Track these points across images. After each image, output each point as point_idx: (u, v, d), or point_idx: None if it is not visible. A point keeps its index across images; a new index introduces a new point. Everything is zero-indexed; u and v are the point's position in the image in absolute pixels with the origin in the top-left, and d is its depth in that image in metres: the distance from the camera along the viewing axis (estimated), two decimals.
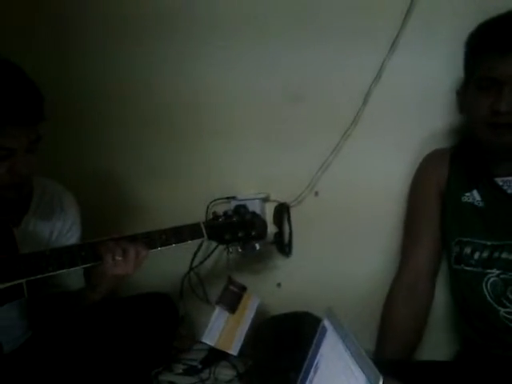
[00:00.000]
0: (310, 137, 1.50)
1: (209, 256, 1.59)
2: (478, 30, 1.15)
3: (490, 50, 1.10)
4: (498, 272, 1.16)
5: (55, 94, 1.49)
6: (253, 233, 1.31)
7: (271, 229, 1.48)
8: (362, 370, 0.75)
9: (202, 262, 1.61)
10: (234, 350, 1.40)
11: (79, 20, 1.65)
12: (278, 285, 1.60)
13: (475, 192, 1.21)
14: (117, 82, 1.64)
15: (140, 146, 1.66)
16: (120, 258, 1.13)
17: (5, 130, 1.07)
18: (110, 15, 1.62)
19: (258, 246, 1.34)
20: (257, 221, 1.33)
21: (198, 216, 1.49)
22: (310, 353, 0.96)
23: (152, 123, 1.64)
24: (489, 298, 1.16)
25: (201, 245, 1.54)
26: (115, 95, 1.65)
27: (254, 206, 1.48)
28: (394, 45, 1.36)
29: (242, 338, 1.40)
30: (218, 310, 1.43)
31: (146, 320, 1.38)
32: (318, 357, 0.94)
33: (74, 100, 1.67)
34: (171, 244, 1.21)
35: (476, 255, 1.18)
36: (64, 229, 1.33)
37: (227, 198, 1.56)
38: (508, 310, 1.14)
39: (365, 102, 1.42)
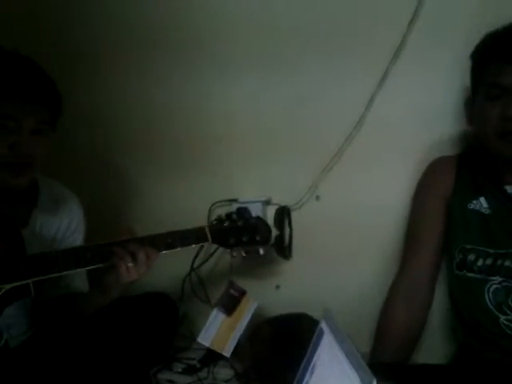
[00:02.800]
0: (312, 140, 1.50)
1: (210, 257, 1.60)
2: (484, 41, 1.16)
3: (497, 60, 1.11)
4: (500, 279, 1.16)
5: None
6: (257, 238, 1.31)
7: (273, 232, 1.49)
8: (357, 372, 0.75)
9: (203, 263, 1.61)
10: (227, 352, 1.42)
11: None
12: (277, 287, 1.60)
13: (482, 199, 1.21)
14: (126, 85, 1.65)
15: (144, 147, 1.67)
16: (131, 265, 1.14)
17: (15, 101, 1.12)
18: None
19: (261, 251, 1.33)
20: (261, 226, 1.32)
21: (200, 217, 1.52)
22: (307, 354, 0.96)
23: (156, 125, 1.64)
24: (490, 305, 1.16)
25: (202, 246, 1.54)
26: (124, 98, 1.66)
27: (256, 209, 1.47)
28: (398, 50, 1.37)
29: (236, 341, 1.43)
30: (215, 311, 1.45)
31: (146, 319, 1.39)
32: (314, 359, 0.94)
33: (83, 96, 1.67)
34: (176, 247, 1.21)
35: (479, 262, 1.18)
36: (70, 227, 1.35)
37: (229, 200, 1.57)
38: (508, 317, 1.15)
39: (368, 106, 1.42)
